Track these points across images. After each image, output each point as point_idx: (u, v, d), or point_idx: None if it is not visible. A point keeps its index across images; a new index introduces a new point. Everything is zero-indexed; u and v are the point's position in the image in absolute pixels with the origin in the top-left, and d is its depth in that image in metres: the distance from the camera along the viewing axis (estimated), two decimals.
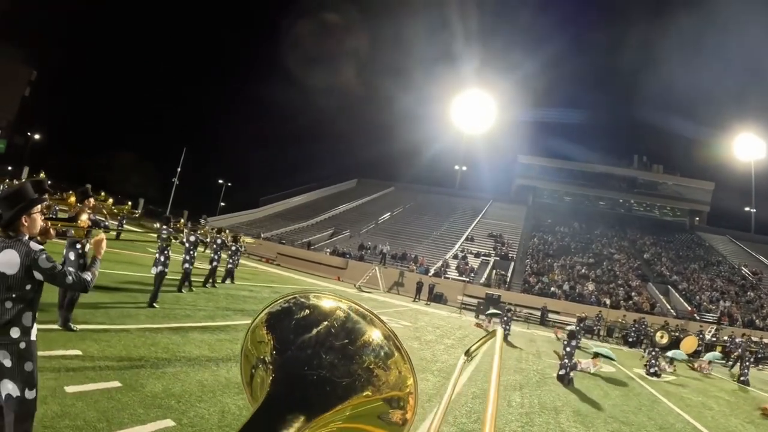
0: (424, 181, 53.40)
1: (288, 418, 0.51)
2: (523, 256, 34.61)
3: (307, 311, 0.62)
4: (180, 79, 75.31)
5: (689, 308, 27.74)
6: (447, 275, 28.91)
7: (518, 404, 6.83)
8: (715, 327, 24.60)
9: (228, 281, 13.00)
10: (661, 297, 29.61)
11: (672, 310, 27.56)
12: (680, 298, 29.39)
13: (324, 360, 0.57)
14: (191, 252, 9.10)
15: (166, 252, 7.72)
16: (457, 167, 52.98)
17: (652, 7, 58.36)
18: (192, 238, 9.04)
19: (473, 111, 52.18)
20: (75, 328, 5.51)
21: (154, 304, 7.54)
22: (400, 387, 0.60)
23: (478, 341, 1.17)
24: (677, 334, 20.81)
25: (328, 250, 32.00)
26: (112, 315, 6.49)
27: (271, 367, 0.59)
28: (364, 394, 0.57)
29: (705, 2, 45.83)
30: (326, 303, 0.63)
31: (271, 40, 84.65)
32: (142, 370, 4.56)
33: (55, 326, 5.43)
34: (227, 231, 14.96)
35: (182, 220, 14.51)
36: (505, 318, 14.41)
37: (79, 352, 4.64)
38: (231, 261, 12.95)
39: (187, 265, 9.21)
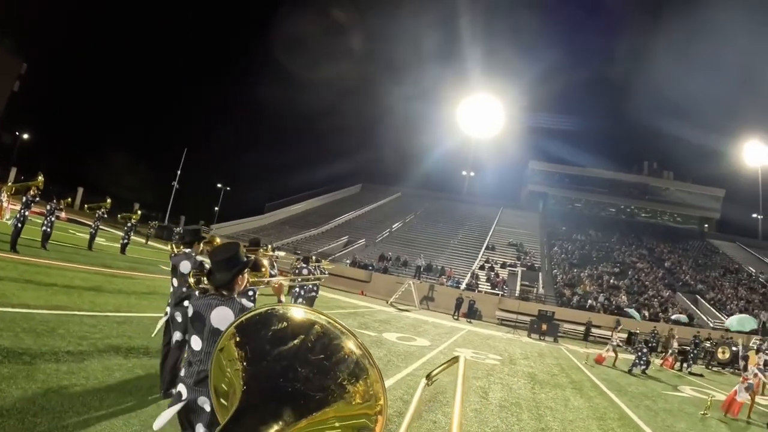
0: (431, 187, 51.97)
1: (260, 429, 0.52)
2: (549, 267, 33.47)
3: (284, 323, 0.62)
4: (178, 78, 72.19)
5: (725, 319, 26.98)
6: (479, 288, 27.43)
7: None
8: (760, 338, 23.86)
9: None
10: (693, 307, 28.86)
11: (709, 322, 26.78)
12: (711, 308, 28.69)
13: (299, 373, 0.59)
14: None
15: (305, 287, 8.91)
16: (464, 173, 51.85)
17: (663, 15, 58.54)
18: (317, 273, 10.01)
19: (481, 116, 51.09)
20: None
21: None
22: (370, 405, 0.61)
23: (441, 365, 1.18)
24: (735, 348, 19.95)
25: (348, 260, 30.13)
26: None
27: (244, 376, 0.60)
28: (335, 408, 0.59)
29: (716, 10, 46.00)
30: (303, 316, 0.63)
31: (273, 41, 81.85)
32: None
33: None
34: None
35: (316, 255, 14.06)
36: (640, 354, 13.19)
37: None
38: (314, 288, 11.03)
39: (313, 294, 10.16)
